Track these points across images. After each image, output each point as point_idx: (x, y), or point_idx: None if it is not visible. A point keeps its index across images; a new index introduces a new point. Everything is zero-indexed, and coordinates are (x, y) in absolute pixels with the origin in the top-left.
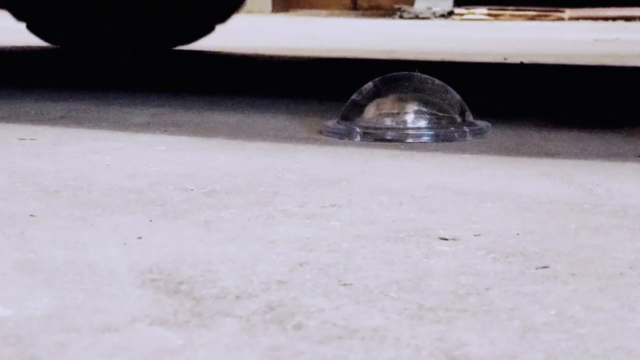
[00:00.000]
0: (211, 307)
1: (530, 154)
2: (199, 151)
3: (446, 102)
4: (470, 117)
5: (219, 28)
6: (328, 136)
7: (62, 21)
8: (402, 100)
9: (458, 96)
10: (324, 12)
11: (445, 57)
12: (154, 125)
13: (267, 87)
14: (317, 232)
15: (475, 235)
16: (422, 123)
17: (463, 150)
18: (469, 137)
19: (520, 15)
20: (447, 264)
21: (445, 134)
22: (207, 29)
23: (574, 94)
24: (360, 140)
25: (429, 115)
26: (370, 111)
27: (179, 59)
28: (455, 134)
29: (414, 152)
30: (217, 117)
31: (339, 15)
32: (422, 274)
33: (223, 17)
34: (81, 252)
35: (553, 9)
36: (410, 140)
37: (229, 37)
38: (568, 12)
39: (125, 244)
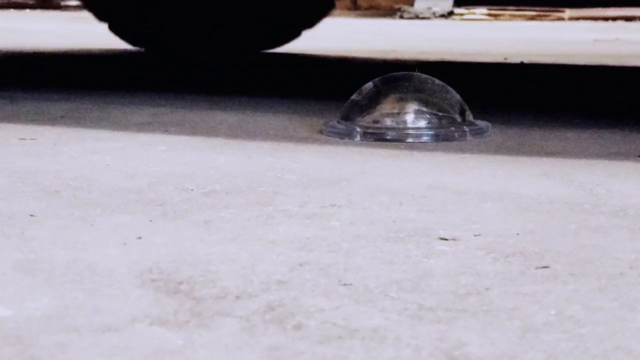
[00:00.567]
0: (211, 307)
1: (530, 153)
2: (199, 151)
3: (446, 102)
4: (470, 117)
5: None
6: (328, 136)
7: (146, 23)
8: (402, 100)
9: (458, 96)
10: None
11: (445, 57)
12: (155, 124)
13: (267, 86)
14: (317, 232)
15: (475, 235)
16: (422, 123)
17: (463, 150)
18: (469, 137)
19: (520, 15)
20: (447, 264)
21: (445, 133)
22: (294, 34)
23: (574, 94)
24: (361, 140)
25: (429, 115)
26: (370, 111)
27: (264, 62)
28: (455, 134)
29: (414, 152)
30: (217, 117)
31: (339, 15)
32: (422, 274)
33: (310, 23)
34: (81, 252)
35: (553, 9)
36: (410, 140)
37: None
38: (568, 12)
39: (125, 244)
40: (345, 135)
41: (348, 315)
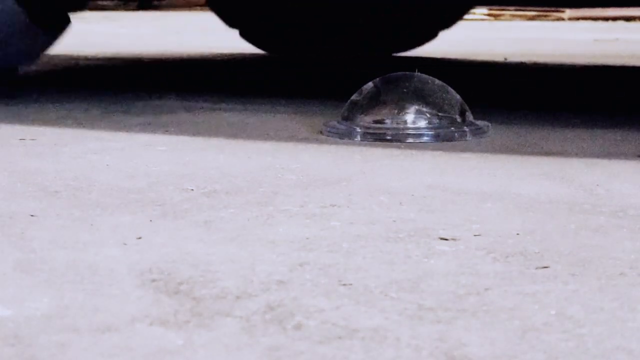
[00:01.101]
0: (211, 307)
1: (530, 154)
2: (199, 151)
3: (446, 102)
4: (470, 117)
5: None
6: (328, 136)
7: (277, 28)
8: (402, 100)
9: (458, 96)
10: None
11: (445, 56)
12: (154, 125)
13: (267, 86)
14: (317, 232)
15: (475, 235)
16: (422, 123)
17: (463, 150)
18: (469, 137)
19: (520, 15)
20: (447, 264)
21: (445, 134)
22: (429, 36)
23: (574, 94)
24: (361, 140)
25: (429, 115)
26: (370, 111)
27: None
28: (455, 134)
29: (414, 152)
30: (217, 117)
31: None
32: (422, 274)
33: (447, 23)
34: (81, 252)
35: (553, 9)
36: (410, 140)
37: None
38: (568, 12)
39: (125, 244)
40: (346, 136)
41: (348, 315)
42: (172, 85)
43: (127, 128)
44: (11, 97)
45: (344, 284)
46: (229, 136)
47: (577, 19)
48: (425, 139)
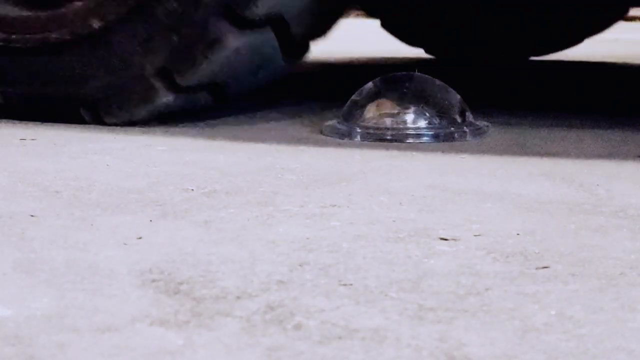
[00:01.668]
0: (211, 307)
1: (530, 154)
2: (199, 151)
3: (446, 102)
4: (470, 117)
5: None
6: (328, 136)
7: (420, 23)
8: (402, 101)
9: (458, 96)
10: None
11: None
12: (154, 125)
13: (267, 86)
14: (317, 232)
15: (475, 236)
16: (422, 123)
17: (463, 150)
18: (469, 137)
19: None
20: (447, 264)
21: (445, 134)
22: (573, 41)
23: (574, 94)
24: (361, 140)
25: (429, 115)
26: (370, 111)
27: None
28: (455, 134)
29: (414, 152)
30: (217, 117)
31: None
32: (422, 274)
33: (595, 30)
34: (81, 252)
35: None
36: (410, 140)
37: None
38: None
39: (125, 244)
40: (346, 136)
41: (348, 316)
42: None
43: (127, 128)
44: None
45: (344, 284)
46: (228, 136)
47: None
48: (425, 139)
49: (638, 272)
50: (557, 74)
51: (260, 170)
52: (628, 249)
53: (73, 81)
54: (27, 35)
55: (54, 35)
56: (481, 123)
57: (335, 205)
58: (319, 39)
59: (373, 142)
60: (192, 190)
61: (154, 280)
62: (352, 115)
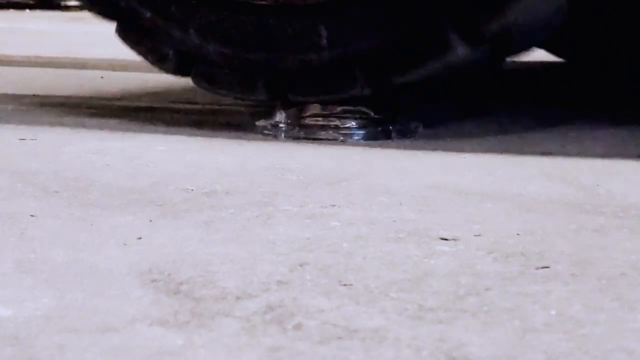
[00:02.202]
0: (211, 307)
1: (530, 154)
2: (199, 151)
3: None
4: (401, 116)
5: None
6: (259, 134)
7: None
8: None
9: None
10: None
11: None
12: (154, 125)
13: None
14: (317, 232)
15: (475, 236)
16: (352, 123)
17: (463, 150)
18: (394, 137)
19: None
20: (447, 264)
21: (374, 133)
22: None
23: (574, 94)
24: (286, 139)
25: (356, 115)
26: (304, 110)
27: None
28: (383, 134)
29: (414, 152)
30: (217, 118)
31: None
32: (422, 274)
33: None
34: (81, 252)
35: None
36: (341, 139)
37: None
38: None
39: (125, 244)
40: (276, 135)
41: (348, 316)
42: None
43: (127, 128)
44: None
45: (344, 284)
46: (228, 136)
47: None
48: (356, 137)
49: (638, 272)
50: (556, 74)
51: (260, 170)
52: (628, 249)
53: (343, 40)
54: None
55: None
56: (412, 124)
57: (335, 205)
58: None
59: (373, 142)
60: (192, 190)
61: (154, 281)
62: (281, 115)
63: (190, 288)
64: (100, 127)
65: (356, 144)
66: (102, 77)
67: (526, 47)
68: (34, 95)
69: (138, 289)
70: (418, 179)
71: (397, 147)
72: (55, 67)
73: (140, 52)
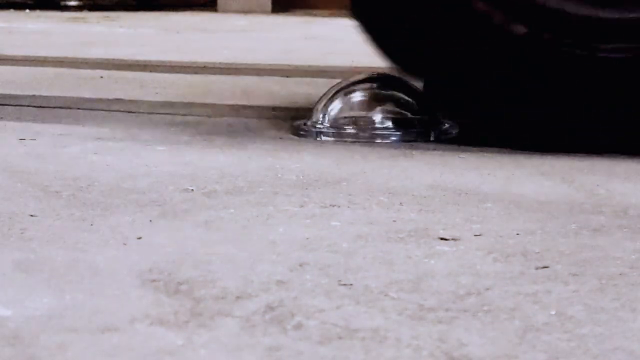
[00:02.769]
0: (211, 307)
1: (530, 154)
2: (199, 151)
3: (413, 102)
4: (439, 117)
5: None
6: (296, 136)
7: None
8: (369, 101)
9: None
10: (326, 12)
11: None
12: (154, 125)
13: (267, 88)
14: (317, 232)
15: (475, 235)
16: (389, 123)
17: (463, 150)
18: (432, 138)
19: None
20: (447, 264)
21: (413, 133)
22: None
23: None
24: (323, 140)
25: (396, 115)
26: (336, 111)
27: None
28: (422, 134)
29: (414, 152)
30: (217, 118)
31: (340, 16)
32: (422, 274)
33: None
34: (81, 252)
35: None
36: (379, 140)
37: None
38: None
39: (125, 244)
40: (311, 136)
41: (348, 316)
42: None
43: (127, 128)
44: None
45: (344, 284)
46: (229, 136)
47: None
48: (393, 138)
49: (638, 272)
50: None
51: (260, 170)
52: (628, 249)
53: None
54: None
55: None
56: (449, 123)
57: (335, 205)
58: None
59: (373, 143)
60: (192, 190)
61: (154, 280)
62: (319, 115)
63: (190, 288)
64: (100, 127)
65: (359, 143)
66: (102, 77)
67: None
68: (34, 95)
69: (138, 289)
70: (418, 179)
71: (398, 147)
72: (55, 67)
73: None
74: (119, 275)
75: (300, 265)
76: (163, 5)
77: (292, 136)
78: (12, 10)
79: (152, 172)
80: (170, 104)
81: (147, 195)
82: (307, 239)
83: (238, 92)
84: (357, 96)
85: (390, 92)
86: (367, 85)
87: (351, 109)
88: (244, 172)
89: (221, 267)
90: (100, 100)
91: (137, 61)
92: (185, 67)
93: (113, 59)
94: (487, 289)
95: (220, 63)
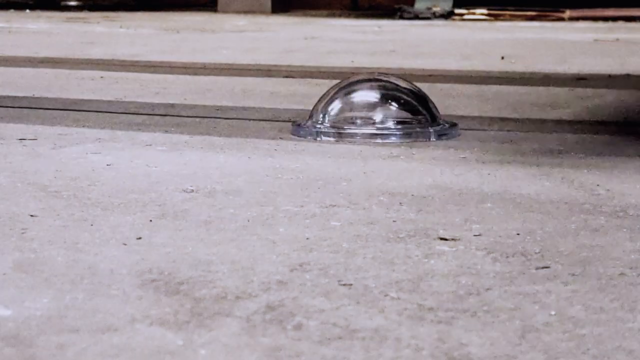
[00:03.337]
0: (211, 307)
1: (530, 153)
2: (199, 151)
3: (413, 102)
4: (438, 117)
5: None
6: (295, 136)
7: None
8: (371, 101)
9: (426, 95)
10: (325, 12)
11: (445, 57)
12: (154, 125)
13: (266, 88)
14: (317, 232)
15: (475, 236)
16: (390, 123)
17: (463, 150)
18: (433, 138)
19: (520, 16)
20: (447, 265)
21: (413, 133)
22: None
23: (573, 94)
24: (323, 140)
25: (396, 115)
26: (336, 111)
27: None
28: (423, 134)
29: (414, 152)
30: (217, 118)
31: (339, 16)
32: (422, 274)
33: None
34: (81, 252)
35: (553, 9)
36: (379, 140)
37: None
38: (568, 12)
39: (125, 244)
40: (311, 136)
41: (348, 316)
42: None
43: (127, 128)
44: None
45: (344, 284)
46: (229, 136)
47: (577, 19)
48: (393, 138)
49: (638, 272)
50: (555, 74)
51: (260, 170)
52: (628, 249)
53: None
54: None
55: None
56: (449, 122)
57: (335, 205)
58: None
59: (373, 143)
60: (193, 190)
61: (154, 281)
62: (319, 115)
63: (190, 288)
64: (101, 127)
65: (360, 142)
66: (102, 77)
67: None
68: (33, 95)
69: (138, 289)
70: (418, 179)
71: (398, 147)
72: (55, 67)
73: None
74: (118, 275)
75: (300, 265)
76: (163, 5)
77: (292, 136)
78: (12, 10)
79: (152, 172)
80: (170, 104)
81: (147, 195)
82: (307, 239)
83: (238, 92)
84: (357, 96)
85: (390, 92)
86: (367, 85)
87: (351, 109)
88: (244, 172)
89: (221, 267)
90: (100, 100)
91: (137, 61)
92: (185, 67)
93: (113, 59)
94: (487, 289)
95: (220, 63)
